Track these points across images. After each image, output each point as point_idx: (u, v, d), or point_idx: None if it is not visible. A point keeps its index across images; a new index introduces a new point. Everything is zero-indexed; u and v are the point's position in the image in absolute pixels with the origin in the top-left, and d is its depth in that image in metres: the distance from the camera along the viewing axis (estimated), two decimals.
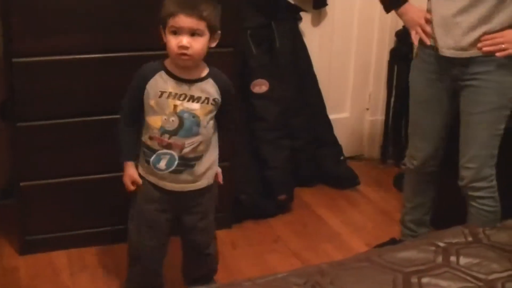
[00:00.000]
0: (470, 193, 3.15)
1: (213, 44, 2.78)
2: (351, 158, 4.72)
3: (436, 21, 3.03)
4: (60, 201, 3.46)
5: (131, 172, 2.88)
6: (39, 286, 3.26)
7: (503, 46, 2.90)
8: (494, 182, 3.13)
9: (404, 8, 3.21)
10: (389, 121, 4.71)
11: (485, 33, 2.92)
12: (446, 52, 3.01)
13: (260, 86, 3.94)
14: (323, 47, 4.48)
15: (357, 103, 4.73)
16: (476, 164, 3.09)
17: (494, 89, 2.98)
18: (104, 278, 3.34)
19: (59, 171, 3.41)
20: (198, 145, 2.82)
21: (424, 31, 3.10)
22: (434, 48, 3.06)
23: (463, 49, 2.97)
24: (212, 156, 2.92)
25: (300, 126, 4.28)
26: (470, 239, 2.54)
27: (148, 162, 2.83)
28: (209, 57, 2.82)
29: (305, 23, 4.35)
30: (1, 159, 3.68)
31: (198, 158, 2.85)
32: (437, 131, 3.23)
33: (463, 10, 2.92)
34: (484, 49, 2.92)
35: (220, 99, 2.83)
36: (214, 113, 2.84)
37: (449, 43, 3.00)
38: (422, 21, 3.10)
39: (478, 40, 2.94)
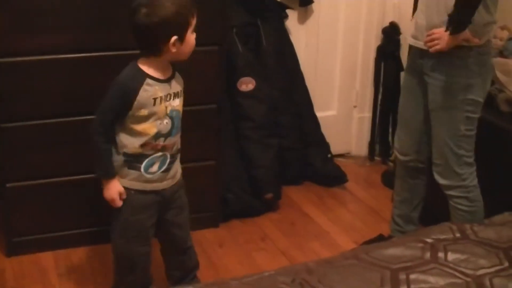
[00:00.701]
0: (444, 191, 3.18)
1: None
2: (339, 156, 4.72)
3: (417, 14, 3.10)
4: (46, 202, 3.44)
5: (118, 187, 2.80)
6: (26, 287, 3.25)
7: (436, 41, 2.91)
8: (468, 182, 3.11)
9: None
10: (377, 119, 4.71)
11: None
12: (409, 39, 3.10)
13: (247, 85, 3.93)
14: (310, 45, 4.47)
15: (344, 101, 4.72)
16: (441, 161, 3.11)
17: (441, 88, 3.00)
18: (91, 278, 3.32)
19: (46, 172, 3.39)
20: (179, 138, 2.87)
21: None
22: (414, 38, 3.12)
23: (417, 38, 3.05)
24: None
25: (287, 124, 4.27)
26: (457, 235, 2.55)
27: (133, 168, 2.78)
28: (194, 55, 2.80)
29: (292, 20, 4.34)
30: None
31: (179, 150, 2.88)
32: (417, 123, 3.23)
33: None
34: (426, 44, 2.95)
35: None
36: None
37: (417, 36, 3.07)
38: None
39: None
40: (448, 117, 3.03)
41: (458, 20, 2.80)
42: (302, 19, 4.41)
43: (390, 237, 3.48)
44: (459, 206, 3.14)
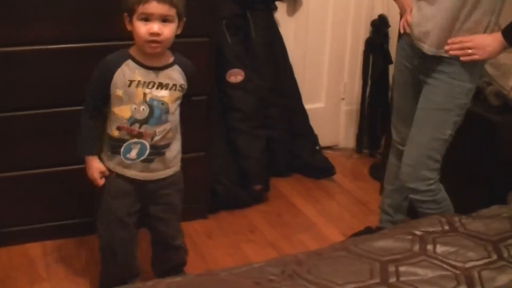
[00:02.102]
0: (411, 196, 3.14)
1: (179, 31, 2.75)
2: (327, 148, 4.73)
3: (413, 11, 3.03)
4: (34, 192, 3.43)
5: (98, 165, 2.85)
6: (14, 278, 3.24)
7: (469, 51, 2.86)
8: (434, 186, 3.07)
9: None
10: (365, 111, 4.72)
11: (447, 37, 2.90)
12: (416, 42, 3.02)
13: (236, 76, 3.93)
14: (298, 37, 4.47)
15: (333, 93, 4.73)
16: (413, 161, 3.06)
17: (443, 90, 2.94)
18: (79, 269, 3.32)
19: (33, 162, 3.38)
20: (168, 132, 2.82)
21: (406, 20, 3.10)
22: (410, 36, 3.06)
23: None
24: (178, 142, 2.94)
25: (275, 116, 4.27)
26: (446, 227, 2.55)
27: (116, 153, 2.81)
28: (184, 46, 2.80)
29: (280, 12, 4.33)
30: None
31: (168, 145, 2.86)
32: (409, 112, 3.17)
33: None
34: (451, 52, 2.88)
35: (186, 85, 2.83)
36: (180, 99, 2.85)
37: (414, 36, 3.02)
38: (407, 10, 3.09)
39: (442, 42, 2.91)
40: (438, 119, 2.98)
41: None
42: (291, 11, 4.41)
43: (378, 228, 3.47)
44: (428, 211, 3.07)
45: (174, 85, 2.78)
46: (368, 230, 3.54)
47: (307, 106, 4.49)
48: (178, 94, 2.80)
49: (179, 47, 2.82)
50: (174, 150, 2.91)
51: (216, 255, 3.50)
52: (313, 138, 4.52)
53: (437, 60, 2.94)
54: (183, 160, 3.02)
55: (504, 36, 2.82)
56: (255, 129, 4.03)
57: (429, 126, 3.01)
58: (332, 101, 4.75)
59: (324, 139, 4.64)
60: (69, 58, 3.27)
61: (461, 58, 2.87)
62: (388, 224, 3.48)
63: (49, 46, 3.22)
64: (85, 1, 3.22)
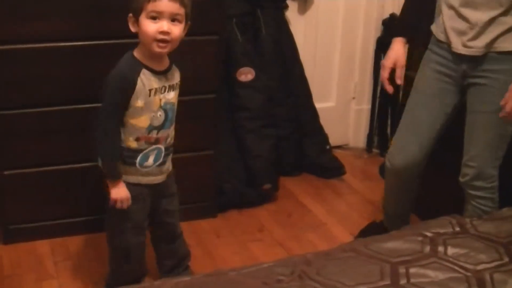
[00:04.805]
0: (470, 191, 3.08)
1: (183, 34, 2.70)
2: (336, 147, 4.71)
3: (446, 20, 2.93)
4: (42, 190, 3.42)
5: (127, 193, 2.78)
6: (22, 275, 3.23)
7: None
8: (496, 183, 3.05)
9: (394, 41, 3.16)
10: (375, 111, 4.70)
11: (498, 36, 2.82)
12: (458, 49, 2.91)
13: (246, 75, 3.92)
14: (309, 36, 4.46)
15: (343, 92, 4.71)
16: (478, 163, 3.01)
17: (502, 89, 2.81)
18: (87, 266, 3.31)
19: (42, 159, 3.38)
20: (172, 130, 2.85)
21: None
22: (447, 44, 2.96)
23: (476, 47, 2.87)
24: None
25: (285, 115, 4.26)
26: (457, 229, 2.54)
27: (131, 164, 2.76)
28: (194, 45, 2.79)
29: (291, 11, 4.32)
30: None
31: (173, 143, 2.87)
32: (429, 127, 3.09)
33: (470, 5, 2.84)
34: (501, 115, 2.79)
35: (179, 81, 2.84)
36: None
37: (459, 41, 2.90)
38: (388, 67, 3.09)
39: (492, 41, 2.82)
40: (500, 118, 2.86)
41: None
42: (302, 9, 4.39)
43: (382, 223, 3.48)
44: (483, 207, 3.04)
45: (177, 83, 2.80)
46: (373, 225, 3.53)
47: (317, 105, 4.47)
48: (178, 91, 2.81)
49: (188, 45, 2.80)
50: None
51: (224, 254, 3.49)
52: (323, 137, 4.50)
53: (487, 58, 2.87)
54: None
55: None
56: (264, 128, 4.02)
57: (491, 127, 2.94)
58: (342, 101, 4.73)
59: (334, 139, 4.62)
60: (76, 55, 3.26)
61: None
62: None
63: (60, 44, 3.22)
64: None
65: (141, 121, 2.70)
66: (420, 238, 2.46)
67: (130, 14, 2.64)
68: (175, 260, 3.11)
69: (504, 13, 2.78)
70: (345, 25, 4.54)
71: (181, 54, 2.79)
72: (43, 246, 3.46)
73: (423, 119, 3.10)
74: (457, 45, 2.90)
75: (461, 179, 3.09)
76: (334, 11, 4.49)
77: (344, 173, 4.43)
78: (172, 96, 2.76)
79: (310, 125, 4.43)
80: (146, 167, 2.78)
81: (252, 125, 3.97)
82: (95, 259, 3.35)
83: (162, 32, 2.58)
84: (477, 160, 3.01)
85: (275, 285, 2.16)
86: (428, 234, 2.49)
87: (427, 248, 2.39)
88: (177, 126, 2.86)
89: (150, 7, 2.56)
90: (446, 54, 2.98)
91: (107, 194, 2.80)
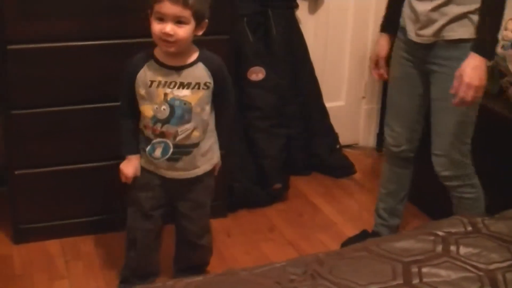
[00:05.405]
0: (445, 183, 3.13)
1: (200, 32, 2.74)
2: (346, 146, 4.71)
3: (405, 8, 3.06)
4: (54, 189, 3.43)
5: (136, 164, 2.89)
6: (33, 274, 3.24)
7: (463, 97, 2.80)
8: (470, 170, 3.09)
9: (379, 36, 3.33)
10: (385, 110, 4.68)
11: (443, 25, 2.89)
12: (412, 36, 3.02)
13: (257, 74, 3.92)
14: (319, 35, 4.45)
15: (353, 92, 4.70)
16: (444, 151, 3.05)
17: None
18: (98, 266, 3.32)
19: (53, 159, 3.38)
20: (192, 131, 2.80)
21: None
22: (404, 30, 3.08)
23: (426, 36, 2.97)
24: (210, 141, 2.91)
25: (295, 114, 4.26)
26: (469, 228, 2.52)
27: (144, 150, 2.84)
28: (205, 44, 2.79)
29: (302, 10, 4.32)
30: None
31: (195, 145, 2.84)
32: (410, 112, 3.19)
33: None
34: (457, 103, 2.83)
35: (212, 82, 2.80)
36: (209, 97, 2.82)
37: (413, 29, 3.01)
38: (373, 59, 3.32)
39: (438, 30, 2.90)
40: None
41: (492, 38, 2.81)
42: (313, 9, 4.39)
43: (374, 233, 3.47)
44: (465, 195, 3.11)
45: (198, 83, 2.76)
46: (365, 234, 3.52)
47: (327, 105, 4.47)
48: (202, 92, 2.78)
49: (199, 45, 2.80)
50: (204, 149, 2.88)
51: (235, 253, 3.49)
52: (333, 136, 4.49)
53: (438, 45, 2.95)
54: None
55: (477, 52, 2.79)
56: (274, 128, 4.02)
57: (451, 113, 2.98)
58: (352, 100, 4.73)
59: (344, 138, 4.62)
60: (88, 55, 3.27)
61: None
62: (382, 228, 3.47)
63: (73, 43, 3.24)
64: None
65: (146, 110, 2.78)
66: (432, 238, 2.45)
67: (149, 11, 2.69)
68: (188, 266, 3.12)
69: (445, 3, 2.87)
70: (355, 25, 4.54)
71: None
72: (54, 245, 3.46)
73: (400, 102, 3.23)
74: (411, 33, 3.03)
75: (435, 171, 3.13)
76: (344, 10, 4.49)
77: (354, 172, 4.43)
78: (185, 94, 2.75)
79: (320, 125, 4.42)
80: (154, 158, 2.83)
81: (263, 125, 3.97)
82: (106, 259, 3.36)
83: (164, 34, 2.63)
84: (442, 148, 3.06)
85: (288, 284, 2.16)
86: (440, 233, 2.48)
87: (439, 248, 2.38)
88: None
89: (156, 8, 2.63)
90: (407, 40, 3.08)
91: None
